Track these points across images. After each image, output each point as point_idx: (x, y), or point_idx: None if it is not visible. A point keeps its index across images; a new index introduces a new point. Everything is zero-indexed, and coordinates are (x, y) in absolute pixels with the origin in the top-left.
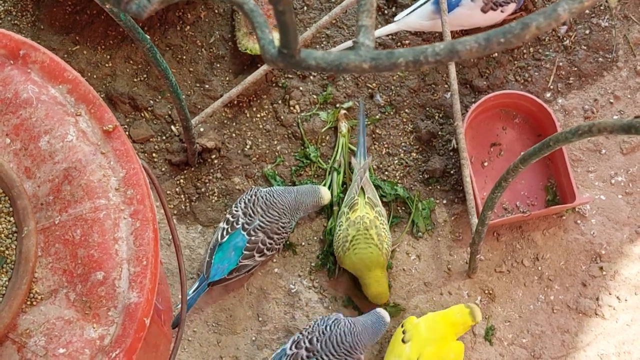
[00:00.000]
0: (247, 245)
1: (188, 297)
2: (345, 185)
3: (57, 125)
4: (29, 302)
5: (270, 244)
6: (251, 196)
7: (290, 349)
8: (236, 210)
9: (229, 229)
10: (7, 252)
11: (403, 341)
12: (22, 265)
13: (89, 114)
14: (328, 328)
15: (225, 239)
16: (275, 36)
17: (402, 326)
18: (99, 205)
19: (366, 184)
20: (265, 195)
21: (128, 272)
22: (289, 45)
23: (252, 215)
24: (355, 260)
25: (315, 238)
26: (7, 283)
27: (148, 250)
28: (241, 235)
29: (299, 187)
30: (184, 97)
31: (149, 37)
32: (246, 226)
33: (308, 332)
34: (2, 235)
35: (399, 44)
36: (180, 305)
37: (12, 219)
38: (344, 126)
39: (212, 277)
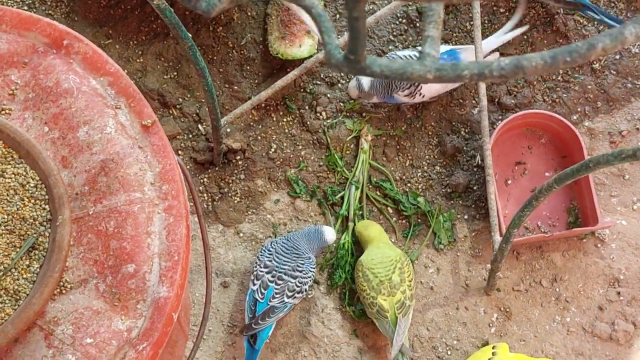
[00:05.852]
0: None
1: None
2: (361, 204)
3: (97, 117)
4: (58, 291)
5: (299, 284)
6: (269, 249)
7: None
8: (261, 271)
9: (262, 289)
10: (40, 238)
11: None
12: (55, 253)
13: (128, 108)
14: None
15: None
16: (307, 42)
17: (493, 347)
18: (134, 198)
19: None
20: (282, 242)
21: (159, 266)
22: (357, 51)
23: (277, 263)
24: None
25: (329, 248)
26: (38, 270)
27: (180, 245)
28: (270, 287)
29: (303, 229)
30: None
31: (190, 35)
32: (272, 278)
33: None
34: (37, 222)
35: None
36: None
37: (47, 206)
38: (365, 142)
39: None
